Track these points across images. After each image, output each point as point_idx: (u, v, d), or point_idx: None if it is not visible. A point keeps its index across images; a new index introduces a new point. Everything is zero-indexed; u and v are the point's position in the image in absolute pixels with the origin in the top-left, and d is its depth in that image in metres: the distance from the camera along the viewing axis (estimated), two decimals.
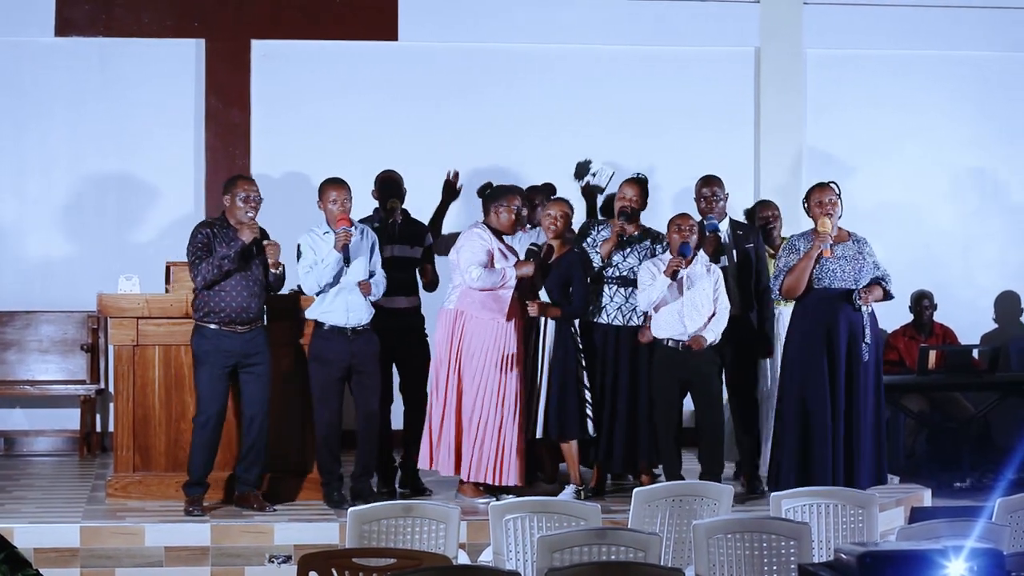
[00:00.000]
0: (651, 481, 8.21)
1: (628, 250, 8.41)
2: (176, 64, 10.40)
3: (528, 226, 8.67)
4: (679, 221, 8.21)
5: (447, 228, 8.91)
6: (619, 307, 8.36)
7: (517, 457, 8.05)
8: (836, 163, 10.73)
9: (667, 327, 8.20)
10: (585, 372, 8.23)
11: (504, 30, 10.64)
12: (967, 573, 4.68)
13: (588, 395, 8.21)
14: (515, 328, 8.10)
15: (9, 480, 8.96)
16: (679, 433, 8.34)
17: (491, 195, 8.30)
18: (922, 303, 10.43)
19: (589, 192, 9.03)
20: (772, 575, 5.64)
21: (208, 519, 7.64)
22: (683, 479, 7.96)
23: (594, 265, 8.33)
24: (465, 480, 8.13)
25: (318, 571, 5.19)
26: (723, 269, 8.43)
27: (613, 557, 5.37)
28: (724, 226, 8.61)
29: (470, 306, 8.07)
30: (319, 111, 10.49)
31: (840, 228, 8.22)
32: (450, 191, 8.83)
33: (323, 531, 7.50)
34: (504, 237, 8.23)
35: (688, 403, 8.46)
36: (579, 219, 8.75)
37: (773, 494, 6.50)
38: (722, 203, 8.62)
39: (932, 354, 9.79)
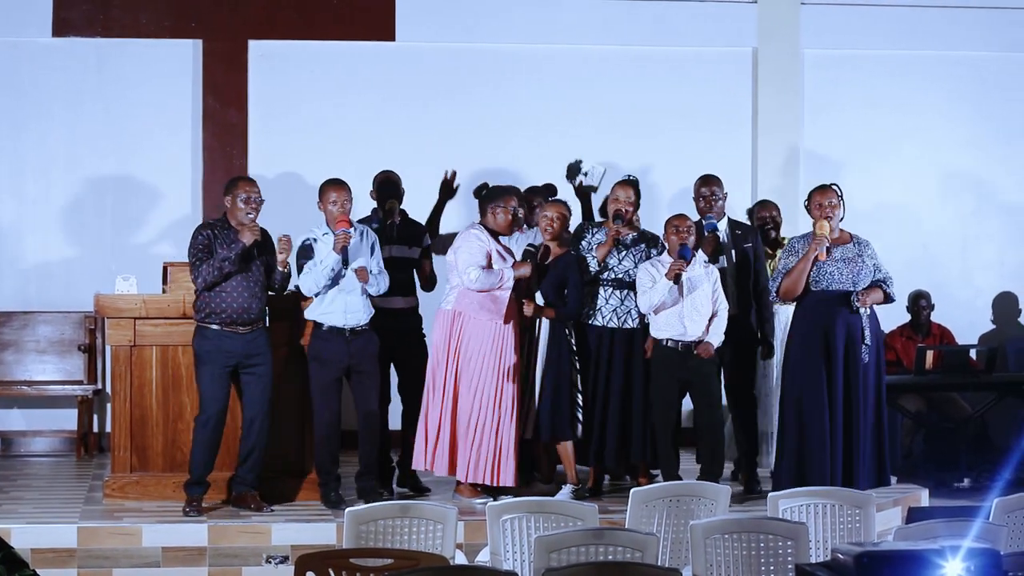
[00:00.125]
0: (648, 481, 8.21)
1: (624, 253, 8.41)
2: (173, 65, 10.40)
3: (525, 226, 8.67)
4: (676, 222, 8.20)
5: (444, 228, 8.91)
6: (614, 309, 8.35)
7: (514, 458, 8.06)
8: (833, 163, 10.73)
9: (667, 328, 8.19)
10: (579, 374, 8.23)
11: (503, 31, 10.64)
12: (964, 573, 4.68)
13: (580, 398, 8.21)
14: (512, 329, 8.10)
15: (6, 480, 8.96)
16: (677, 433, 8.34)
17: (488, 196, 8.30)
18: (919, 303, 10.43)
19: (583, 192, 9.01)
20: (769, 575, 5.64)
21: (205, 519, 7.64)
22: (680, 479, 7.96)
23: (591, 269, 8.33)
24: (462, 481, 8.13)
25: (315, 571, 5.19)
26: (721, 270, 8.44)
27: (610, 557, 5.37)
28: (723, 226, 8.61)
29: (468, 307, 8.07)
30: (317, 111, 10.49)
31: (842, 230, 8.23)
32: (447, 190, 8.83)
33: (320, 531, 7.49)
34: (501, 238, 8.23)
35: (686, 403, 8.46)
36: (576, 219, 8.74)
37: (771, 494, 6.51)
38: (721, 202, 8.63)
39: (929, 354, 9.79)
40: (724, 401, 8.60)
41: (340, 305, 7.95)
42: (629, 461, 8.51)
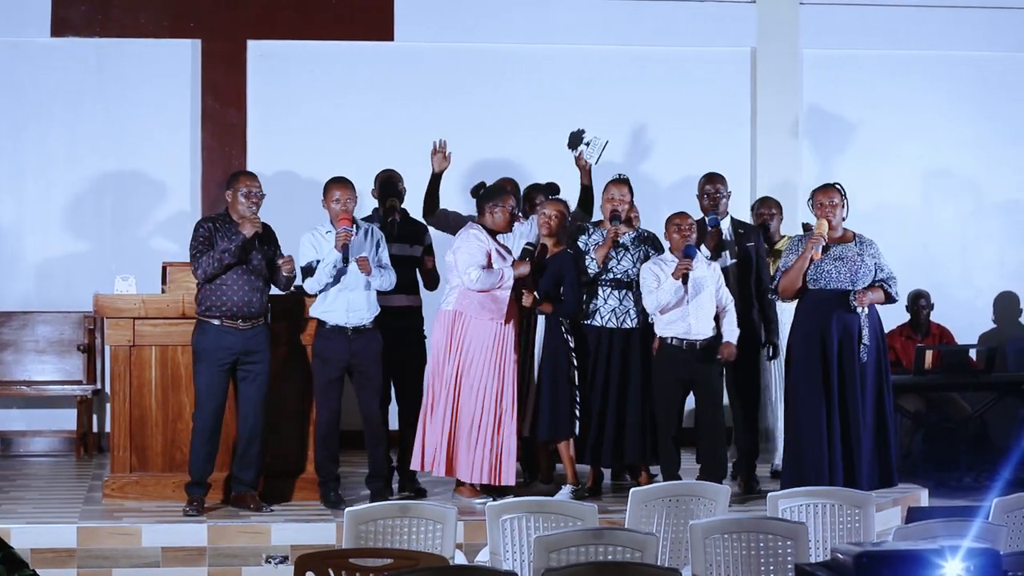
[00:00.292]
0: (648, 480, 8.21)
1: (622, 253, 8.40)
2: (173, 64, 10.39)
3: (521, 216, 8.62)
4: (678, 220, 8.20)
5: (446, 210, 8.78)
6: (613, 310, 8.35)
7: (513, 458, 8.06)
8: (833, 163, 10.74)
9: (671, 326, 8.19)
10: (576, 372, 8.23)
11: (502, 31, 10.63)
12: (964, 573, 4.68)
13: (578, 395, 8.21)
14: (513, 329, 8.10)
15: (6, 481, 8.96)
16: (678, 433, 8.34)
17: (485, 195, 8.29)
18: (919, 303, 10.43)
19: (581, 166, 8.86)
20: (769, 575, 5.64)
21: (205, 519, 7.64)
22: (680, 479, 7.96)
23: (589, 271, 8.32)
24: (463, 481, 8.13)
25: (315, 571, 5.18)
26: (724, 269, 8.44)
27: (610, 557, 5.37)
28: (725, 224, 8.62)
29: (469, 307, 8.06)
30: (316, 111, 10.48)
31: (846, 229, 8.24)
32: (440, 162, 8.61)
33: (320, 531, 7.49)
34: (499, 236, 8.22)
35: (687, 402, 8.46)
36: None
37: (770, 494, 6.51)
38: (725, 200, 8.65)
39: (929, 354, 9.79)
40: (725, 400, 8.60)
41: (342, 303, 7.95)
42: (624, 461, 8.52)
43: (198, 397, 7.84)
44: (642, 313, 8.36)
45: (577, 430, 8.22)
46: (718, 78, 10.83)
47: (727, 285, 8.35)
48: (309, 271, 7.95)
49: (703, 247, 8.36)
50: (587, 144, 8.82)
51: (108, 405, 8.98)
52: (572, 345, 8.23)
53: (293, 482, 8.23)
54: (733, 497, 7.12)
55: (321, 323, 8.00)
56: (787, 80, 10.83)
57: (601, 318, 8.35)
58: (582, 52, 10.72)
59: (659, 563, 5.71)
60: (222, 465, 8.00)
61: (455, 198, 9.02)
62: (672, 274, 8.06)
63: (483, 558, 6.37)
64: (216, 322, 7.79)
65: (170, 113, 10.38)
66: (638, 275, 8.34)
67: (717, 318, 8.25)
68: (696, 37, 10.80)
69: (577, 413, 8.20)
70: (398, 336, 8.33)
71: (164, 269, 8.46)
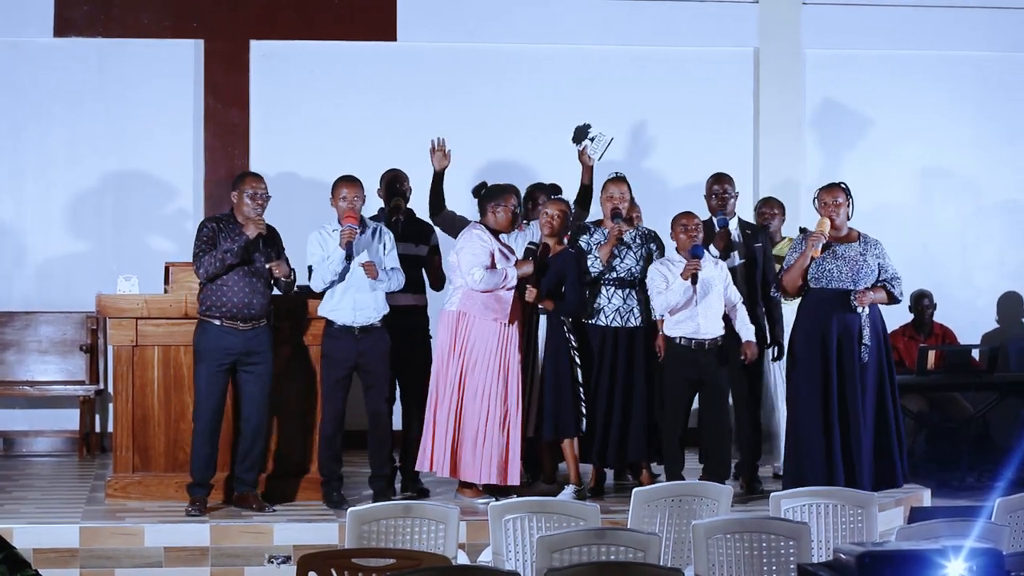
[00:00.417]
0: (652, 480, 8.22)
1: (625, 252, 8.40)
2: (175, 65, 10.40)
3: (524, 222, 8.63)
4: (684, 220, 8.20)
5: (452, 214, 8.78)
6: (616, 309, 8.35)
7: (519, 458, 8.06)
8: (835, 163, 10.74)
9: (680, 326, 8.19)
10: (580, 370, 8.22)
11: (504, 31, 10.64)
12: (966, 573, 4.68)
13: (583, 392, 8.21)
14: (517, 329, 8.10)
15: (8, 480, 8.96)
16: (684, 433, 8.33)
17: (487, 195, 8.28)
18: (922, 303, 10.43)
19: (584, 163, 8.85)
20: (771, 575, 5.64)
21: (207, 519, 7.64)
22: (683, 479, 7.96)
23: (593, 271, 8.32)
24: (467, 481, 8.12)
25: (317, 571, 5.19)
26: (732, 269, 8.45)
27: (612, 557, 5.37)
28: (733, 225, 8.63)
29: (472, 308, 8.06)
30: (318, 111, 10.49)
31: (851, 228, 8.24)
32: (439, 160, 8.61)
33: (322, 531, 7.50)
34: (501, 236, 8.22)
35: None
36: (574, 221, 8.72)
37: (772, 494, 6.51)
38: (732, 200, 8.68)
39: (931, 354, 9.78)
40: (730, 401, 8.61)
41: (349, 302, 7.95)
42: (627, 460, 8.52)
43: (197, 397, 7.85)
44: (646, 312, 8.37)
45: (584, 427, 8.22)
46: (721, 78, 10.84)
47: (735, 285, 8.35)
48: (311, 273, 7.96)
49: (711, 247, 8.36)
50: (592, 139, 8.81)
51: (111, 405, 8.98)
52: (574, 344, 8.23)
53: (296, 482, 8.23)
54: (735, 497, 7.12)
55: (329, 323, 8.00)
56: (789, 80, 10.83)
57: (605, 317, 8.35)
58: (584, 52, 10.73)
59: (661, 563, 5.71)
60: (224, 465, 8.00)
61: (456, 199, 9.01)
62: (681, 275, 8.06)
63: (486, 558, 6.37)
64: (217, 322, 7.79)
65: (172, 113, 10.38)
66: (642, 274, 8.35)
67: (726, 317, 8.26)
68: (698, 37, 10.80)
69: (583, 410, 8.20)
70: (403, 335, 8.32)
71: (167, 269, 8.46)
